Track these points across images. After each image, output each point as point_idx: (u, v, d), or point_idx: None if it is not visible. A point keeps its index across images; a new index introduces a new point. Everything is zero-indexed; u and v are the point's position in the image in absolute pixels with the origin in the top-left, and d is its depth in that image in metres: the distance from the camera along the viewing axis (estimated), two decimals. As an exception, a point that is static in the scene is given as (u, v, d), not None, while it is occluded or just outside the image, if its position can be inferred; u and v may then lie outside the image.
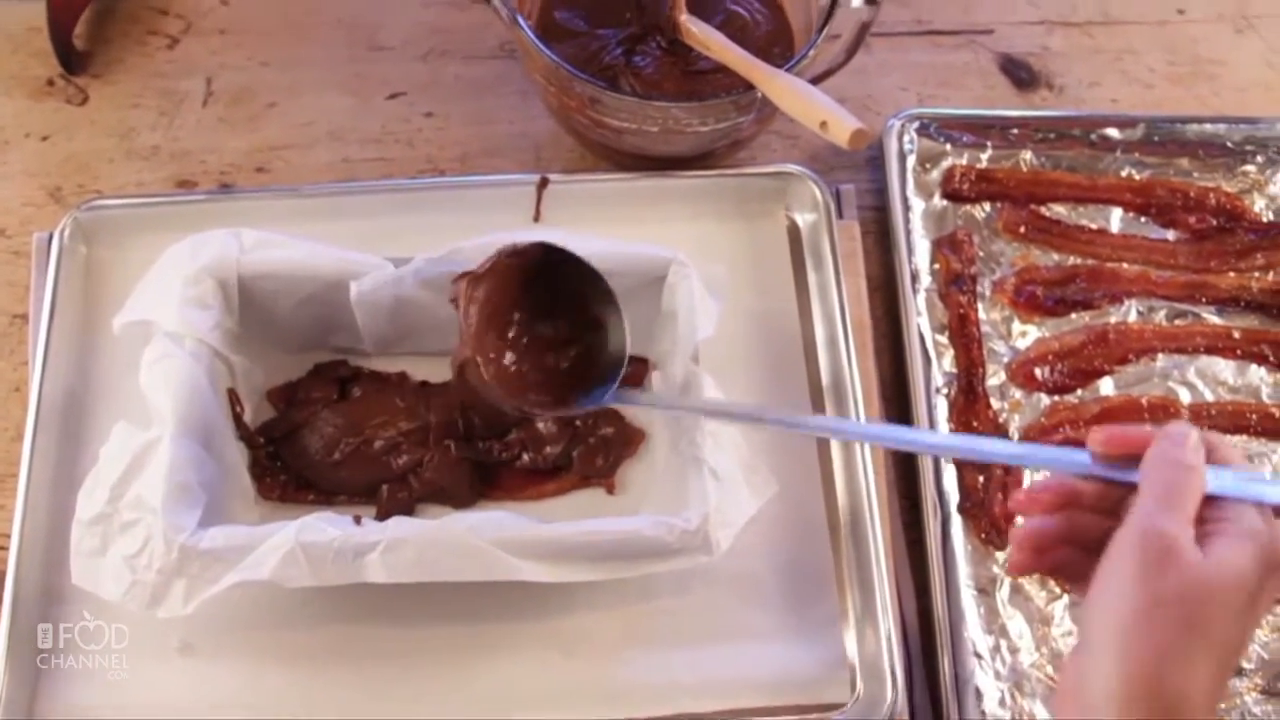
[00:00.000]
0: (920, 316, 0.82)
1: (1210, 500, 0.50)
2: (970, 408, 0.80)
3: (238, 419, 0.74)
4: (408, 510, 0.73)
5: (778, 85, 0.75)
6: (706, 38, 0.81)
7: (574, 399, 0.67)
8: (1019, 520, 0.71)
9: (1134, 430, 0.53)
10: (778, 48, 0.85)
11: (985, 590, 0.76)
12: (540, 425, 0.75)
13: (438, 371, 0.77)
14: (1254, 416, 0.82)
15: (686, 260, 0.72)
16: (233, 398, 0.74)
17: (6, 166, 0.88)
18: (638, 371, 0.78)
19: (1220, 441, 0.52)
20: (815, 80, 0.83)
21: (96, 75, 0.93)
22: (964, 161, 0.89)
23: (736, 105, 0.77)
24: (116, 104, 0.91)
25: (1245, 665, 0.75)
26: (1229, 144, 0.91)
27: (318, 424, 0.74)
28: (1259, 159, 0.91)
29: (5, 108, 0.91)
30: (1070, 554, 0.54)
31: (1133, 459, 0.51)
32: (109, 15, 0.95)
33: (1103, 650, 0.49)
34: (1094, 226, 0.88)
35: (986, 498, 0.78)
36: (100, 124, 0.90)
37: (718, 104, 0.77)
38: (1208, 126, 0.92)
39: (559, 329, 0.70)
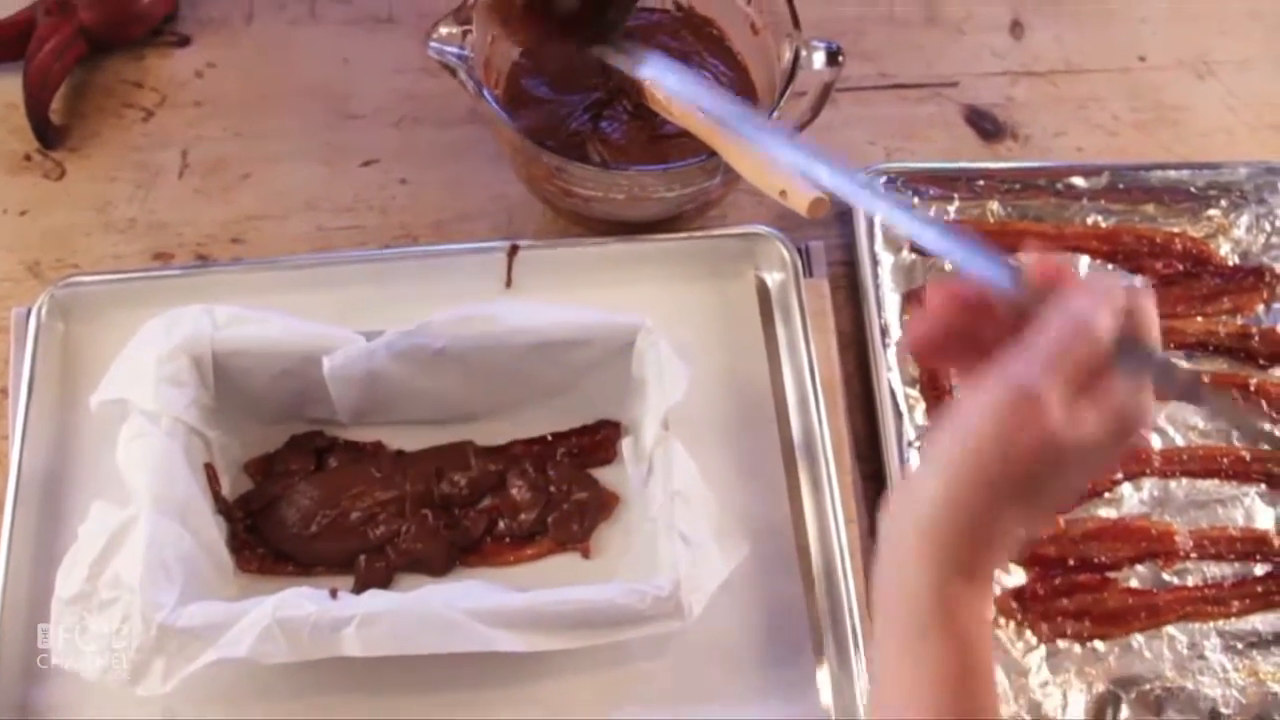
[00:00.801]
0: (891, 371, 0.83)
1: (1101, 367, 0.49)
2: (943, 460, 0.81)
3: (215, 494, 0.74)
4: (386, 580, 0.74)
5: (737, 153, 0.76)
6: (670, 100, 0.82)
7: None
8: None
9: (1066, 267, 0.52)
10: (744, 108, 0.86)
11: (961, 643, 0.76)
12: (514, 492, 0.76)
13: (413, 440, 0.78)
14: (1225, 460, 0.83)
15: (654, 327, 0.73)
16: (210, 473, 0.74)
17: (-15, 242, 0.89)
18: (609, 436, 0.79)
19: (1141, 308, 0.51)
20: (782, 139, 0.85)
21: (73, 149, 0.93)
22: (931, 214, 0.90)
23: (703, 170, 0.78)
24: (93, 177, 0.92)
25: (1224, 711, 0.76)
26: (1193, 189, 0.92)
27: (294, 496, 0.75)
28: (1223, 203, 0.92)
29: (-16, 184, 0.92)
30: (967, 350, 0.54)
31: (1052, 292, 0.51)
32: (85, 89, 0.96)
33: (938, 474, 0.50)
34: (1061, 276, 0.89)
35: (961, 550, 0.78)
36: (77, 198, 0.91)
37: (683, 170, 0.79)
38: (1171, 173, 0.93)
39: None
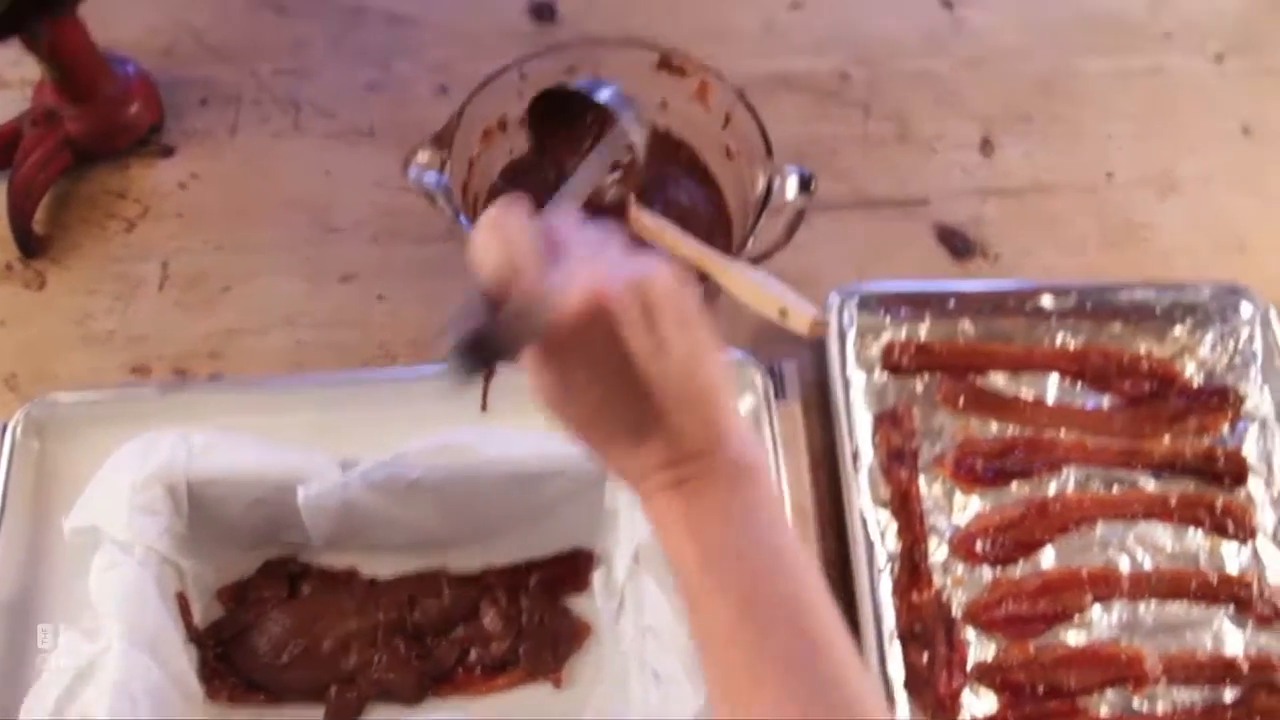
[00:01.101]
0: (862, 495, 0.84)
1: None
2: (913, 584, 0.82)
3: (187, 623, 0.74)
4: (357, 711, 0.74)
5: (733, 275, 0.78)
6: (660, 230, 0.83)
7: None
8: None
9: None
10: (718, 231, 0.88)
11: (934, 768, 0.76)
12: (486, 621, 0.76)
13: (386, 565, 0.78)
14: (1193, 583, 0.84)
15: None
16: (182, 602, 0.74)
17: (-37, 354, 0.90)
18: (583, 565, 0.79)
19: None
20: (756, 260, 0.86)
21: (54, 259, 0.94)
22: (903, 334, 0.91)
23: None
24: (73, 289, 0.93)
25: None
26: (1158, 310, 0.94)
27: (266, 625, 0.75)
28: (1187, 322, 0.94)
29: (-37, 294, 0.92)
30: None
31: None
32: (69, 199, 0.97)
33: None
34: (1030, 397, 0.90)
35: (932, 675, 0.79)
36: (57, 309, 0.92)
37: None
38: (1137, 293, 0.94)
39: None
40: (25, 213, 0.93)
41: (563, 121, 0.83)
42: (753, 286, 0.77)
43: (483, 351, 0.50)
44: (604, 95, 0.78)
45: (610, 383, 0.52)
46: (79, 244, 0.95)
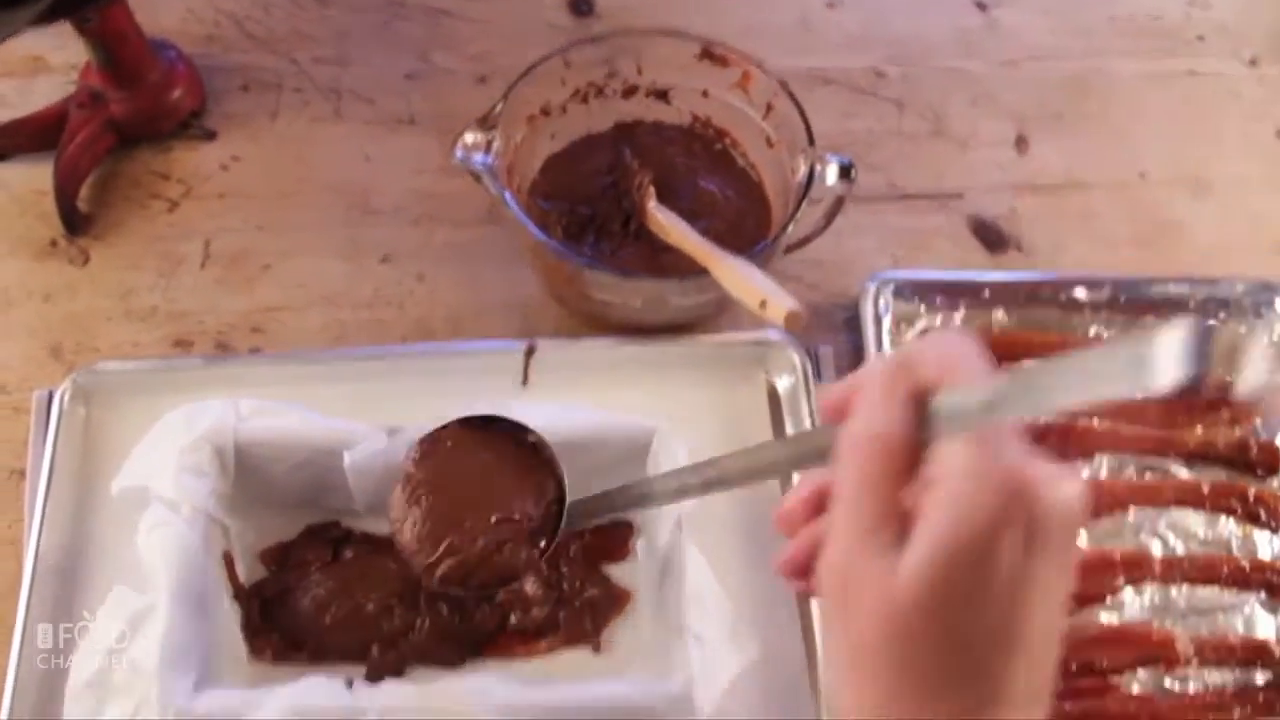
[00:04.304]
0: (898, 476, 0.84)
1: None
2: (948, 565, 0.82)
3: (232, 582, 0.75)
4: (398, 672, 0.74)
5: (722, 267, 0.80)
6: (669, 224, 0.85)
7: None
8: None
9: (852, 388, 0.44)
10: (750, 219, 0.89)
11: (967, 747, 0.77)
12: (528, 588, 0.77)
13: (428, 532, 0.79)
14: (1225, 569, 0.84)
15: (669, 430, 0.75)
16: (227, 561, 0.75)
17: (9, 325, 0.91)
18: (623, 535, 0.80)
19: (935, 357, 0.43)
20: (794, 247, 0.88)
21: (98, 237, 0.95)
22: (938, 322, 0.92)
23: (714, 280, 0.81)
24: (117, 265, 0.94)
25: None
26: (1191, 304, 0.95)
27: (309, 586, 0.76)
28: (1221, 317, 0.95)
29: (10, 268, 0.93)
30: None
31: None
32: (112, 179, 0.99)
33: (841, 686, 0.44)
34: (1064, 386, 0.90)
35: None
36: (100, 284, 0.93)
37: (697, 280, 0.81)
38: (1171, 287, 0.95)
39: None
40: (70, 192, 0.95)
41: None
42: (740, 279, 0.79)
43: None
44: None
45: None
46: (122, 222, 0.96)
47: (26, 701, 0.72)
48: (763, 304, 0.76)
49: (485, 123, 0.82)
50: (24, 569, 0.76)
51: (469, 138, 0.81)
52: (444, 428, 0.70)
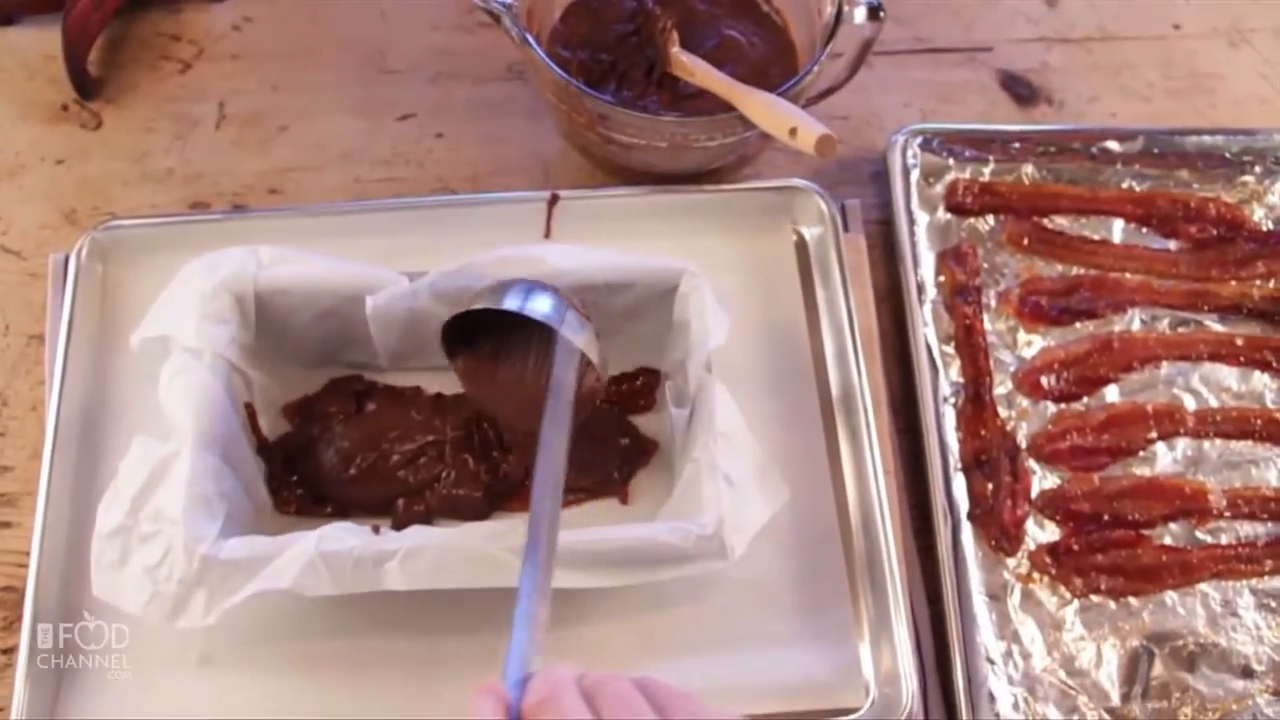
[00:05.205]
0: (927, 327, 0.83)
1: None
2: (978, 416, 0.81)
3: (255, 432, 0.75)
4: (424, 522, 0.74)
5: (750, 101, 0.78)
6: (693, 66, 0.83)
7: None
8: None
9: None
10: (775, 68, 0.87)
11: (996, 596, 0.76)
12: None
13: (451, 385, 0.77)
14: (1258, 422, 0.83)
15: (698, 271, 0.74)
16: (250, 412, 0.74)
17: (23, 190, 0.89)
18: (649, 383, 0.79)
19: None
20: (820, 97, 0.86)
21: (110, 100, 0.94)
22: (967, 175, 0.90)
23: (743, 120, 0.79)
24: (130, 128, 0.92)
25: (1256, 668, 0.76)
26: (1227, 155, 0.92)
27: (333, 439, 0.75)
28: (1257, 169, 0.92)
29: (22, 133, 0.92)
30: None
31: None
32: (123, 42, 0.97)
33: None
34: (1096, 237, 0.89)
35: (996, 504, 0.78)
36: (114, 148, 0.92)
37: (725, 119, 0.79)
38: (1206, 138, 0.93)
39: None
40: (80, 54, 0.93)
41: (489, 344, 0.72)
42: (768, 109, 0.77)
43: None
44: (538, 309, 0.66)
45: None
46: (134, 84, 0.95)
47: (55, 561, 0.72)
48: (793, 132, 0.74)
49: (505, -36, 0.79)
50: (46, 431, 0.75)
51: (488, -21, 0.79)
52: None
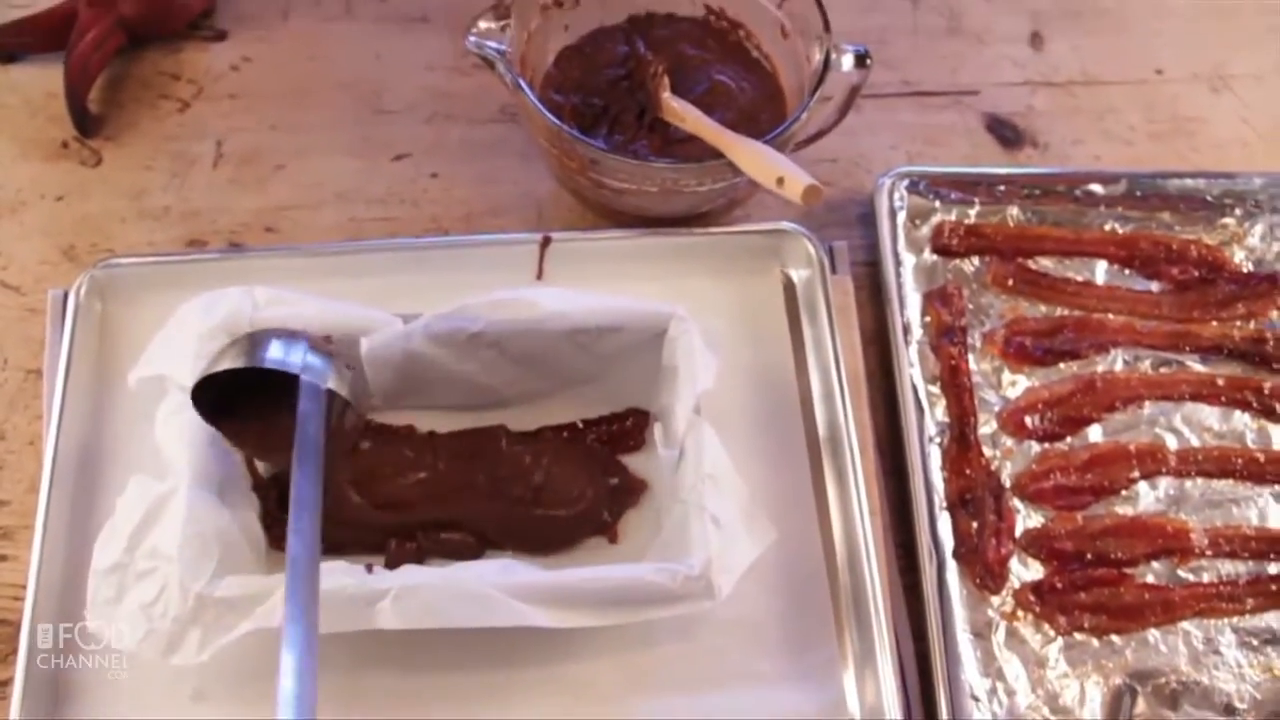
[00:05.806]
0: (913, 368, 0.84)
1: None
2: (963, 455, 0.82)
3: (251, 471, 0.75)
4: (416, 562, 0.75)
5: (738, 149, 0.79)
6: (684, 112, 0.85)
7: None
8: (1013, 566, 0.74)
9: None
10: (765, 113, 0.88)
11: (981, 634, 0.77)
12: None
13: (443, 424, 0.79)
14: (1239, 461, 0.85)
15: (687, 315, 0.75)
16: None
17: (23, 226, 0.91)
18: (639, 423, 0.80)
19: None
20: (809, 140, 0.87)
21: (110, 138, 0.95)
22: (953, 217, 0.92)
23: (732, 167, 0.80)
24: (129, 166, 0.94)
25: (1239, 705, 0.77)
26: (1208, 198, 0.94)
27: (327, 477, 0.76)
28: (1237, 212, 0.94)
29: (22, 170, 0.93)
30: None
31: None
32: (123, 80, 0.98)
33: None
34: (1080, 279, 0.90)
35: (980, 543, 0.79)
36: (113, 185, 0.93)
37: (715, 165, 0.80)
38: (1188, 181, 0.94)
39: None
40: (81, 92, 0.94)
41: (249, 402, 0.72)
42: (755, 157, 0.79)
43: None
44: (273, 357, 0.70)
45: None
46: (134, 123, 0.96)
47: (51, 595, 0.73)
48: (780, 181, 0.75)
49: (498, 10, 0.81)
50: (43, 465, 0.76)
51: (482, 24, 0.81)
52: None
